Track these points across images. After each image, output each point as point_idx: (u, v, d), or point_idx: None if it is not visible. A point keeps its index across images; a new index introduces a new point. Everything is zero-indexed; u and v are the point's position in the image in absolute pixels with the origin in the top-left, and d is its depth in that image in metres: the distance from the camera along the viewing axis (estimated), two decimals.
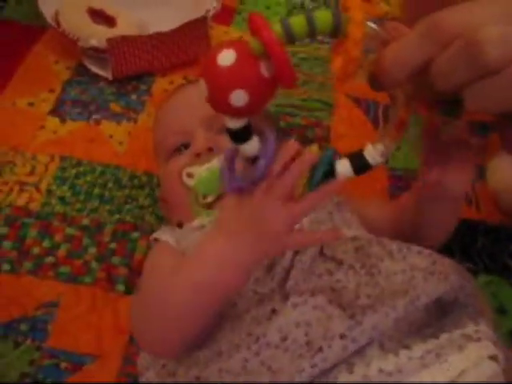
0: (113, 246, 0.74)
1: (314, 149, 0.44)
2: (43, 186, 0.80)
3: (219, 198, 0.65)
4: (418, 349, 0.49)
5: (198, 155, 0.66)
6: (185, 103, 0.71)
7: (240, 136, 0.41)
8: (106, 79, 0.94)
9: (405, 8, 0.93)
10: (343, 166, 0.43)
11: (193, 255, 0.51)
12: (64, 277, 0.71)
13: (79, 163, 0.83)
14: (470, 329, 0.50)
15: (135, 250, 0.74)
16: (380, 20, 0.93)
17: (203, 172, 0.64)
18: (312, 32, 0.37)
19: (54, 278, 0.70)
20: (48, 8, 0.95)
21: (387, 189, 0.85)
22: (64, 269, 0.72)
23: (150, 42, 0.94)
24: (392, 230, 0.65)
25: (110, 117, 0.90)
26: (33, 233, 0.75)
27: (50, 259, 0.72)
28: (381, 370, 0.47)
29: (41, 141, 0.85)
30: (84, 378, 0.63)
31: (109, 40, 0.90)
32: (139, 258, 0.73)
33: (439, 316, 0.53)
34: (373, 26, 0.39)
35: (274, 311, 0.51)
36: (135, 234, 0.76)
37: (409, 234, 0.63)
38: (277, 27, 0.37)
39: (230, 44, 0.38)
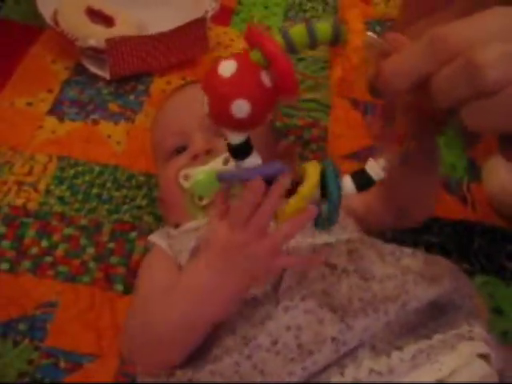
0: (111, 245, 0.75)
1: (313, 163, 0.43)
2: (41, 186, 0.80)
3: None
4: (410, 350, 0.49)
5: (195, 157, 0.66)
6: (183, 105, 0.72)
7: (241, 152, 0.41)
8: (104, 79, 0.94)
9: (403, 9, 0.93)
10: (346, 184, 0.43)
11: (182, 285, 0.52)
12: (62, 276, 0.71)
13: (77, 163, 0.83)
14: (463, 329, 0.51)
15: (133, 250, 0.74)
16: (379, 32, 0.94)
17: (200, 174, 0.65)
18: (312, 42, 0.37)
19: (52, 278, 0.71)
20: (46, 8, 0.95)
21: None
22: (62, 268, 0.72)
23: (149, 43, 0.94)
24: (383, 208, 0.65)
25: (108, 117, 0.90)
26: (31, 232, 0.75)
27: (48, 259, 0.72)
28: (372, 371, 0.47)
29: (39, 141, 0.86)
30: (82, 377, 0.63)
31: (107, 40, 0.90)
32: (137, 257, 0.73)
33: (434, 316, 0.54)
34: (373, 36, 0.39)
35: (267, 315, 0.51)
36: (133, 234, 0.76)
37: (398, 210, 0.63)
38: (277, 38, 0.37)
39: (231, 55, 0.38)
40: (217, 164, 0.64)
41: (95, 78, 0.95)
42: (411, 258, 0.57)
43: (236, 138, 0.40)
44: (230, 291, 0.49)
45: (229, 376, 0.49)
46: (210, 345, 0.53)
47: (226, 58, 0.38)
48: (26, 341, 0.65)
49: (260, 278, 0.49)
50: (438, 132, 0.46)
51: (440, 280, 0.53)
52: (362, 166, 0.43)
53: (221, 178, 0.46)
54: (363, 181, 0.43)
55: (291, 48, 0.37)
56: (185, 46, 0.96)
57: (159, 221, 0.77)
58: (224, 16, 1.08)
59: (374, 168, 0.43)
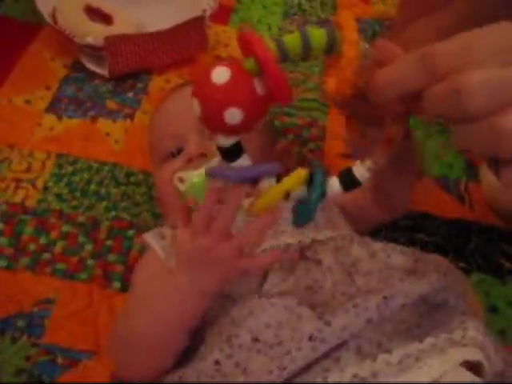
0: (109, 243, 0.75)
1: (302, 172, 0.43)
2: (40, 183, 0.80)
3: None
4: (399, 353, 0.48)
5: (189, 160, 0.66)
6: (179, 107, 0.71)
7: (231, 154, 0.41)
8: (102, 77, 0.95)
9: (401, 8, 0.93)
10: (333, 185, 0.43)
11: (159, 289, 0.55)
12: (60, 273, 0.71)
13: (76, 160, 0.83)
14: (456, 334, 0.50)
15: (131, 248, 0.74)
16: (378, 31, 0.93)
17: (194, 177, 0.65)
18: (306, 50, 0.37)
19: (50, 275, 0.71)
20: (45, 5, 0.95)
21: None
22: (60, 265, 0.72)
23: (148, 41, 0.94)
24: (369, 203, 0.66)
25: (107, 114, 0.90)
26: (29, 229, 0.75)
27: (46, 256, 0.73)
28: (355, 376, 0.47)
29: (37, 138, 0.86)
30: (80, 373, 0.63)
31: (106, 38, 0.90)
32: (135, 255, 0.73)
33: (427, 315, 0.54)
34: (365, 45, 0.39)
35: (249, 313, 0.52)
36: (131, 232, 0.76)
37: (382, 205, 0.65)
38: (271, 45, 0.37)
39: (224, 62, 0.38)
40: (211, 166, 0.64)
41: (93, 75, 0.95)
42: (401, 255, 0.57)
43: (226, 141, 0.40)
44: (198, 287, 0.51)
45: (211, 374, 0.50)
46: (199, 344, 0.54)
47: (219, 64, 0.38)
48: (24, 337, 0.65)
49: (230, 278, 0.51)
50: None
51: (427, 276, 0.53)
52: (349, 167, 0.43)
53: (210, 174, 0.47)
54: (349, 181, 0.43)
55: (284, 56, 0.37)
56: (183, 45, 0.97)
57: (157, 218, 0.78)
58: (223, 15, 1.08)
59: (360, 170, 0.43)
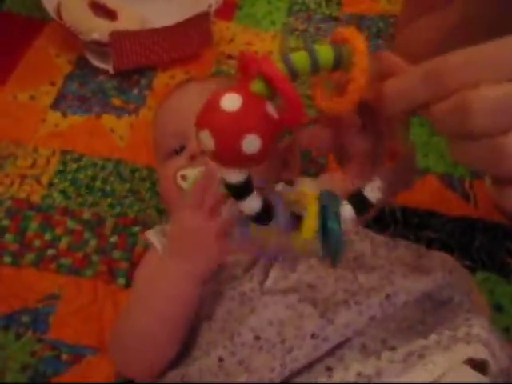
0: (114, 239, 0.75)
1: (311, 197, 0.42)
2: (44, 179, 0.80)
3: None
4: (403, 350, 0.48)
5: (192, 158, 0.66)
6: (182, 104, 0.71)
7: (241, 191, 0.37)
8: (107, 73, 0.94)
9: (404, 7, 0.93)
10: (345, 210, 0.41)
11: (152, 278, 0.58)
12: (65, 269, 0.71)
13: (80, 157, 0.83)
14: (461, 331, 0.49)
15: (136, 244, 0.74)
16: (383, 28, 0.92)
17: (197, 175, 0.65)
18: (314, 68, 0.35)
19: (55, 271, 0.71)
20: (50, 1, 0.95)
21: None
22: (65, 261, 0.72)
23: (152, 37, 0.94)
24: None
25: (111, 111, 0.90)
26: (34, 225, 0.75)
27: (51, 252, 0.73)
28: (359, 374, 0.46)
29: (42, 134, 0.86)
30: (84, 369, 0.64)
31: (111, 33, 0.90)
32: (140, 251, 0.73)
33: (432, 312, 0.53)
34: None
35: (251, 310, 0.52)
36: (136, 228, 0.76)
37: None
38: (279, 65, 0.35)
39: (230, 88, 0.35)
40: (214, 164, 0.64)
41: (98, 71, 0.95)
42: (405, 251, 0.57)
43: (236, 177, 0.37)
44: (184, 268, 0.54)
45: (214, 372, 0.50)
46: (200, 341, 0.54)
47: (227, 91, 0.35)
48: (29, 333, 0.65)
49: (209, 258, 0.54)
50: None
51: (432, 273, 0.53)
52: (359, 189, 0.42)
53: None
54: (362, 205, 0.41)
55: (293, 74, 0.35)
56: (188, 41, 0.96)
57: (162, 214, 0.78)
58: (227, 10, 1.08)
59: (372, 190, 0.41)
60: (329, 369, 0.47)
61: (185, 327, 0.55)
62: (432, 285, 0.53)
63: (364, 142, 0.43)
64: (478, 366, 0.48)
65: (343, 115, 0.40)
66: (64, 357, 0.64)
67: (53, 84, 0.93)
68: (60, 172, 0.81)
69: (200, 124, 0.34)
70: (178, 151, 0.68)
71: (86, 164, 0.83)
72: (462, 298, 0.55)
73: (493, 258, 0.76)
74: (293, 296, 0.51)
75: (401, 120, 0.42)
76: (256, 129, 0.34)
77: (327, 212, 0.39)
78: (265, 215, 0.38)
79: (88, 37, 0.92)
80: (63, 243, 0.74)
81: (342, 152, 0.44)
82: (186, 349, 0.56)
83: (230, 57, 1.00)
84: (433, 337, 0.49)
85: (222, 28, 1.05)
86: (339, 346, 0.49)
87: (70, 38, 0.95)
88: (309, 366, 0.48)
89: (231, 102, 0.34)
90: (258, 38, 1.05)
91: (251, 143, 0.34)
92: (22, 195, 0.78)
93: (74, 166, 0.82)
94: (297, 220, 0.39)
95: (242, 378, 0.48)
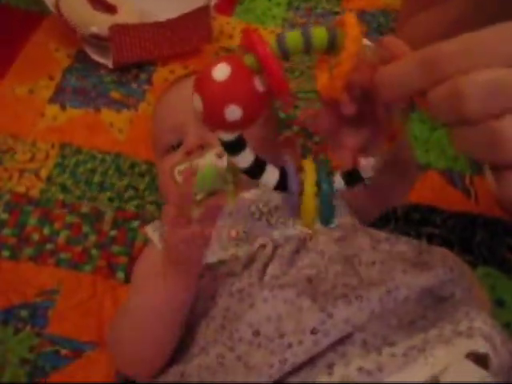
0: (113, 233, 0.74)
1: (308, 162, 0.44)
2: (43, 173, 0.80)
3: (209, 195, 0.65)
4: (404, 344, 0.48)
5: (188, 153, 0.66)
6: (180, 99, 0.71)
7: (233, 147, 0.41)
8: (106, 67, 0.94)
9: (406, 1, 0.92)
10: (337, 181, 0.43)
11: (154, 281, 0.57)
12: (64, 264, 0.71)
13: (79, 151, 0.83)
14: (462, 325, 0.49)
15: (135, 239, 0.74)
16: (383, 22, 0.92)
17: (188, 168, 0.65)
18: (307, 48, 0.37)
19: (54, 265, 0.71)
20: None
21: None
22: (64, 256, 0.72)
23: (152, 31, 0.93)
24: (369, 201, 0.65)
25: (110, 105, 0.90)
26: (33, 220, 0.75)
27: (49, 246, 0.72)
28: (360, 369, 0.46)
29: (41, 128, 0.85)
30: (83, 364, 0.63)
31: (111, 27, 0.89)
32: (139, 246, 0.73)
33: (433, 307, 0.53)
34: (368, 43, 0.39)
35: (249, 306, 0.51)
36: (135, 223, 0.76)
37: (382, 200, 0.65)
38: (272, 42, 0.37)
39: (224, 58, 0.38)
40: (210, 159, 0.64)
41: (97, 65, 0.94)
42: (406, 246, 0.57)
43: (228, 136, 0.40)
44: (174, 273, 0.54)
45: (214, 368, 0.49)
46: (199, 338, 0.54)
47: (220, 60, 0.37)
48: (28, 328, 0.65)
49: (191, 264, 0.54)
50: None
51: (432, 269, 0.53)
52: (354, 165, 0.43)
53: None
54: (353, 178, 0.43)
55: (285, 53, 0.37)
56: (188, 35, 0.96)
57: (161, 209, 0.77)
58: (227, 5, 1.07)
59: (364, 166, 0.43)
60: (329, 365, 0.47)
61: (182, 323, 0.55)
62: (433, 280, 0.52)
63: (357, 136, 0.44)
64: (480, 360, 0.48)
65: (335, 98, 0.40)
66: (63, 352, 0.64)
67: (52, 78, 0.92)
68: (59, 166, 0.81)
69: (194, 87, 0.38)
70: (175, 147, 0.68)
71: (85, 158, 0.82)
72: (463, 294, 0.55)
73: (493, 253, 0.76)
74: (291, 290, 0.51)
75: (400, 109, 0.42)
76: (239, 99, 0.37)
77: (320, 174, 0.42)
78: (256, 169, 0.41)
79: (87, 31, 0.92)
80: (62, 237, 0.73)
81: (335, 139, 0.45)
82: (184, 346, 0.55)
83: (229, 52, 0.99)
84: (434, 331, 0.49)
85: (222, 23, 1.05)
86: (341, 341, 0.48)
87: (69, 32, 0.94)
88: (310, 363, 0.48)
89: (221, 71, 0.37)
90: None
91: (233, 112, 0.37)
92: (21, 189, 0.78)
93: (73, 159, 0.82)
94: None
95: (241, 375, 0.48)
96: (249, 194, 0.62)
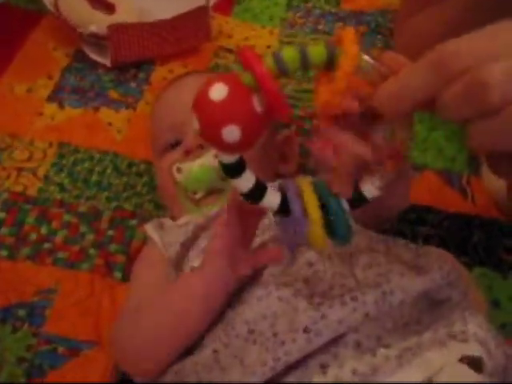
0: (110, 233, 0.75)
1: (305, 184, 0.43)
2: (41, 172, 0.80)
3: (208, 193, 0.66)
4: (398, 347, 0.48)
5: (187, 152, 0.66)
6: (179, 98, 0.71)
7: (232, 170, 0.39)
8: (104, 66, 0.94)
9: (404, 1, 0.93)
10: (343, 204, 0.42)
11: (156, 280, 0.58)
12: (62, 263, 0.71)
13: (77, 150, 0.83)
14: (456, 328, 0.49)
15: (133, 238, 0.74)
16: (381, 23, 0.92)
17: (192, 168, 0.65)
18: (305, 65, 0.37)
19: (51, 264, 0.71)
20: None
21: None
22: (62, 255, 0.72)
23: (150, 30, 0.93)
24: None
25: (109, 104, 0.90)
26: (30, 219, 0.75)
27: (47, 245, 0.72)
28: (354, 372, 0.46)
29: (39, 127, 0.85)
30: (81, 363, 0.63)
31: (110, 26, 0.90)
32: (137, 245, 0.73)
33: (428, 311, 0.53)
34: (369, 59, 0.38)
35: (247, 303, 0.52)
36: (133, 222, 0.76)
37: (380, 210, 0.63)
38: (269, 60, 0.36)
39: (222, 78, 0.37)
40: (209, 158, 0.65)
41: (96, 65, 0.94)
42: (403, 248, 0.57)
43: (227, 158, 0.39)
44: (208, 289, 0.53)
45: (209, 365, 0.50)
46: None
47: (218, 80, 0.37)
48: (25, 326, 0.65)
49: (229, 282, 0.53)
50: None
51: (429, 272, 0.53)
52: (356, 183, 0.43)
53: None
54: (357, 200, 0.42)
55: (282, 71, 0.36)
56: (186, 35, 0.96)
57: (159, 208, 0.77)
58: (226, 5, 1.07)
59: (369, 187, 0.42)
60: (323, 366, 0.47)
61: (207, 323, 0.54)
62: (430, 284, 0.52)
63: (356, 158, 0.42)
64: (474, 363, 0.48)
65: (333, 115, 0.39)
66: (60, 350, 0.64)
67: (50, 77, 0.92)
68: (57, 165, 0.81)
69: (192, 107, 0.37)
70: (174, 145, 0.69)
71: (83, 157, 0.82)
72: (459, 297, 0.55)
73: (490, 254, 0.76)
74: (288, 290, 0.51)
75: (402, 125, 0.42)
76: (237, 120, 0.36)
77: (324, 195, 0.41)
78: (257, 193, 0.40)
79: (86, 30, 0.92)
80: (60, 236, 0.73)
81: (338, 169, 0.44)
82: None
83: (228, 51, 1.00)
84: (428, 334, 0.49)
85: (220, 22, 1.05)
86: (333, 342, 0.48)
87: (67, 31, 0.94)
88: (303, 363, 0.48)
89: (218, 91, 0.36)
90: (257, 32, 1.04)
91: (231, 133, 0.36)
92: (19, 188, 0.78)
93: (71, 159, 0.82)
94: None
95: (236, 372, 0.48)
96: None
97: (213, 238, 0.53)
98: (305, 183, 0.42)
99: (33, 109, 0.88)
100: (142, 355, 0.56)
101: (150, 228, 0.67)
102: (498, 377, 0.48)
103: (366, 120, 0.41)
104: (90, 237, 0.74)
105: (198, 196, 0.66)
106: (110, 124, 0.87)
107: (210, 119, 0.36)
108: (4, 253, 0.71)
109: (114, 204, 0.78)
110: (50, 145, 0.83)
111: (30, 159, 0.81)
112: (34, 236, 0.73)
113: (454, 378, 0.46)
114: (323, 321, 0.48)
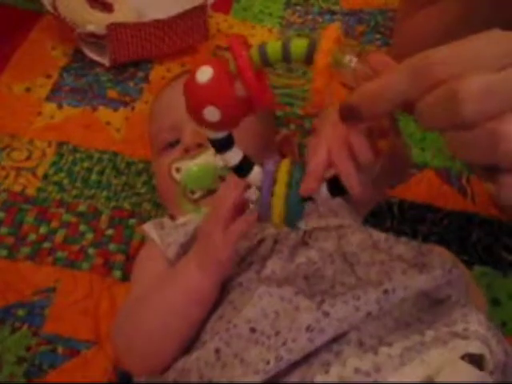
0: (110, 232, 0.74)
1: (286, 162, 0.44)
2: (40, 172, 0.80)
3: (207, 193, 0.66)
4: (400, 345, 0.48)
5: (186, 151, 0.66)
6: (176, 97, 0.71)
7: (220, 146, 0.42)
8: (103, 66, 0.94)
9: (402, 1, 0.93)
10: (322, 190, 0.43)
11: (158, 279, 0.57)
12: (61, 263, 0.71)
13: (76, 149, 0.83)
14: (458, 327, 0.49)
15: (132, 237, 0.74)
16: (380, 21, 0.92)
17: (191, 167, 0.65)
18: (286, 58, 0.38)
19: (50, 264, 0.70)
20: None
21: None
22: (61, 255, 0.71)
23: (149, 29, 0.93)
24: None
25: (107, 103, 0.90)
26: (30, 218, 0.75)
27: (46, 245, 0.72)
28: (357, 370, 0.46)
29: (38, 126, 0.85)
30: (80, 363, 0.63)
31: (108, 25, 0.89)
32: (136, 244, 0.73)
33: (429, 310, 0.53)
34: (350, 58, 0.38)
35: (247, 301, 0.51)
36: (132, 221, 0.76)
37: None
38: (253, 51, 0.38)
39: (211, 62, 0.40)
40: (208, 157, 0.65)
41: (94, 64, 0.94)
42: (404, 247, 0.57)
43: (214, 134, 0.42)
44: (199, 272, 0.53)
45: (211, 363, 0.49)
46: (200, 330, 0.54)
47: (207, 63, 0.39)
48: (25, 327, 0.65)
49: (218, 264, 0.53)
50: None
51: (431, 271, 0.52)
52: (337, 174, 0.43)
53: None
54: (337, 189, 0.43)
55: (265, 62, 0.39)
56: (185, 33, 0.96)
57: (158, 208, 0.77)
58: (224, 3, 1.08)
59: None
60: (326, 364, 0.47)
61: (200, 321, 0.54)
62: (431, 283, 0.52)
63: None
64: (475, 361, 0.48)
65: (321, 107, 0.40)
66: (60, 350, 0.64)
67: (48, 76, 0.92)
68: (56, 164, 0.81)
69: (183, 86, 0.41)
70: (172, 144, 0.69)
71: (82, 157, 0.82)
72: (459, 296, 0.55)
73: (489, 252, 0.76)
74: (289, 288, 0.51)
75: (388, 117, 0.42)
76: (217, 102, 0.39)
77: (294, 176, 0.43)
78: (244, 167, 0.43)
79: (84, 29, 0.92)
80: (59, 236, 0.73)
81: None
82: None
83: (225, 50, 0.99)
84: (430, 332, 0.49)
85: (219, 21, 1.05)
86: (336, 340, 0.48)
87: (65, 31, 0.94)
88: (305, 362, 0.48)
89: (203, 74, 0.39)
90: (255, 31, 1.04)
91: (212, 113, 0.39)
92: (18, 188, 0.77)
93: (70, 158, 0.82)
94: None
95: (238, 371, 0.48)
96: (247, 193, 0.62)
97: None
98: (285, 163, 0.44)
99: (31, 108, 0.88)
100: (147, 350, 0.55)
101: (149, 228, 0.67)
102: (498, 372, 0.49)
103: None
104: (89, 236, 0.74)
105: (196, 196, 0.66)
106: (108, 123, 0.87)
107: (194, 99, 0.40)
108: (3, 253, 0.71)
109: (113, 203, 0.78)
110: (49, 144, 0.83)
111: (28, 159, 0.81)
112: (33, 236, 0.73)
113: (456, 376, 0.46)
114: (326, 319, 0.48)
